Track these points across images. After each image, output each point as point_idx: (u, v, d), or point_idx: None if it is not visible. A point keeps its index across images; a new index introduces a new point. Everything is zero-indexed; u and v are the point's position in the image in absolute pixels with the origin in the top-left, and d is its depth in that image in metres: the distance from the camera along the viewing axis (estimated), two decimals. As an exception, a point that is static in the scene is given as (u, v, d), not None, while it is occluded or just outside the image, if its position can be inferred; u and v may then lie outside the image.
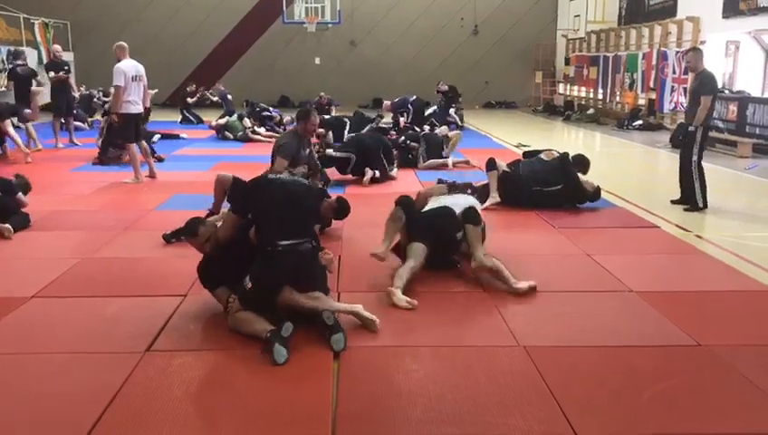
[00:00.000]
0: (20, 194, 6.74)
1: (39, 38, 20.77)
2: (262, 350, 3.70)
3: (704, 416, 3.19)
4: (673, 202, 7.84)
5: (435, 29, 24.67)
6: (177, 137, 14.27)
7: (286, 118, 15.99)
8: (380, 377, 3.56)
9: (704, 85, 7.49)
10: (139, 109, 9.07)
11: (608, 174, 9.61)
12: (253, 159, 11.24)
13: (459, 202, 5.56)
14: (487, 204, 7.50)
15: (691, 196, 7.60)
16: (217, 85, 18.58)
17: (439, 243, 5.21)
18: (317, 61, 24.71)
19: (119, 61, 9.01)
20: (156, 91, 14.41)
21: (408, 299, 4.59)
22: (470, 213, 5.30)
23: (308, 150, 6.88)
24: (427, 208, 5.53)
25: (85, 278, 5.12)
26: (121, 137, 9.31)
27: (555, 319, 4.37)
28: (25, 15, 20.82)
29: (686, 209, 7.59)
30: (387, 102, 16.10)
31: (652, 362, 3.76)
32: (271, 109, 15.72)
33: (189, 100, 18.07)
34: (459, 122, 16.60)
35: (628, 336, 4.11)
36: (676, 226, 6.93)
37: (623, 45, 19.92)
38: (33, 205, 6.92)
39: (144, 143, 9.38)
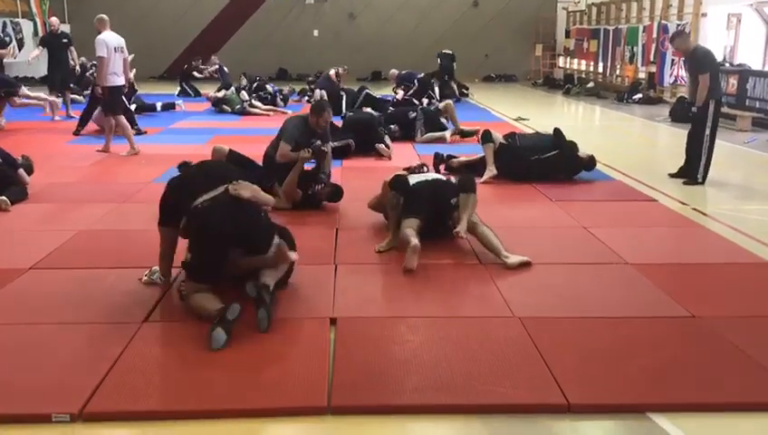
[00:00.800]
0: (21, 171, 6.75)
1: (35, 9, 20.60)
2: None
3: (694, 386, 3.22)
4: (671, 175, 7.83)
5: (434, 1, 24.46)
6: (173, 107, 14.19)
7: (286, 89, 15.93)
8: (376, 347, 3.59)
9: (700, 63, 7.48)
10: (121, 81, 9.12)
11: (607, 147, 9.60)
12: (250, 131, 11.23)
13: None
14: (485, 177, 7.50)
15: (694, 169, 7.59)
16: (213, 58, 18.40)
17: (435, 212, 5.23)
18: (315, 33, 24.53)
19: (99, 33, 8.99)
20: (132, 55, 14.23)
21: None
22: (467, 180, 5.34)
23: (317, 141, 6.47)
24: (415, 182, 5.50)
25: (83, 250, 5.13)
26: (109, 109, 9.26)
27: (550, 290, 4.40)
28: (21, -14, 20.64)
29: (684, 183, 7.60)
30: (394, 71, 16.07)
31: (645, 332, 3.78)
32: (269, 85, 15.53)
33: (196, 74, 17.89)
34: (456, 95, 16.59)
35: (622, 308, 4.13)
36: (675, 199, 6.94)
37: (624, 18, 19.77)
38: (31, 177, 6.92)
39: (121, 117, 9.28)
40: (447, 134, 10.50)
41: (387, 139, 9.49)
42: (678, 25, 15.76)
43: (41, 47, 13.21)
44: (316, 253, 4.93)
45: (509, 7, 24.60)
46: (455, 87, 16.71)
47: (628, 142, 11.43)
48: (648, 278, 4.60)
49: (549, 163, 7.58)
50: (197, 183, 4.05)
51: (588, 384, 3.22)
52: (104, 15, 9.26)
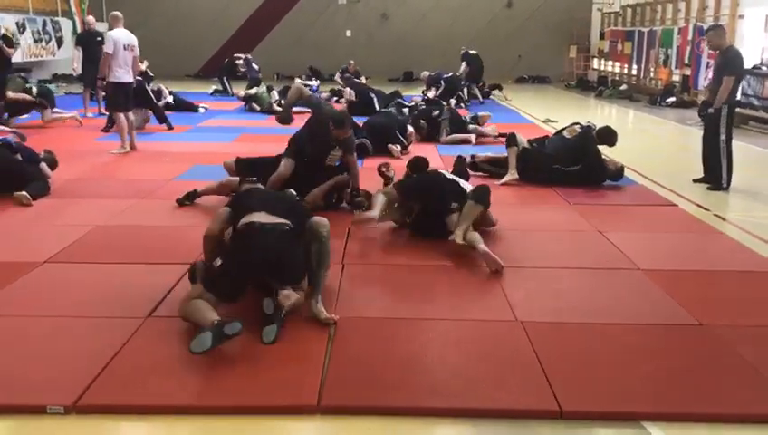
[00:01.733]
0: (43, 164, 6.90)
1: (74, 8, 21.01)
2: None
3: (694, 396, 3.15)
4: (695, 181, 7.68)
5: (468, 1, 24.35)
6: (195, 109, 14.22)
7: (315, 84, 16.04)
8: (374, 348, 3.59)
9: (727, 64, 7.32)
10: (129, 78, 9.17)
11: (634, 151, 9.46)
12: (276, 131, 11.29)
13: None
14: (505, 180, 7.47)
15: (717, 175, 7.44)
16: (244, 55, 18.53)
17: (430, 204, 5.28)
18: (348, 33, 24.60)
19: (111, 29, 9.14)
20: (146, 63, 14.40)
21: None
22: (482, 192, 5.34)
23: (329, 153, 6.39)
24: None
25: (97, 245, 5.22)
26: (111, 106, 9.37)
27: (557, 295, 4.35)
28: (61, -15, 21.07)
29: (708, 188, 7.45)
30: (425, 73, 16.15)
31: (649, 340, 3.72)
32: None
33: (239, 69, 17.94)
34: (480, 97, 16.49)
35: (628, 314, 4.07)
36: (696, 205, 6.81)
37: (659, 20, 19.46)
38: (55, 173, 7.08)
39: (131, 114, 9.34)
40: (473, 137, 10.44)
41: (404, 141, 9.61)
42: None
43: (78, 47, 13.46)
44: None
45: (543, 8, 24.38)
46: (477, 91, 16.55)
47: (656, 146, 11.24)
48: (658, 285, 4.52)
49: (571, 175, 7.45)
50: (259, 201, 4.09)
51: (583, 391, 3.17)
52: (118, 13, 9.43)
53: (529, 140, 8.05)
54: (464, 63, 16.59)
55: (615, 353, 3.56)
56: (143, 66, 13.56)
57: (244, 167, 6.35)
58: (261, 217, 3.91)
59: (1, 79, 11.02)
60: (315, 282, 3.97)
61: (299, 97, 7.99)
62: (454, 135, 10.46)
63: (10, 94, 11.26)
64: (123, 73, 9.02)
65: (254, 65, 17.40)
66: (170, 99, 13.58)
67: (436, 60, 22.03)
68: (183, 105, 13.79)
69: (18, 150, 6.81)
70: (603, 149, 7.76)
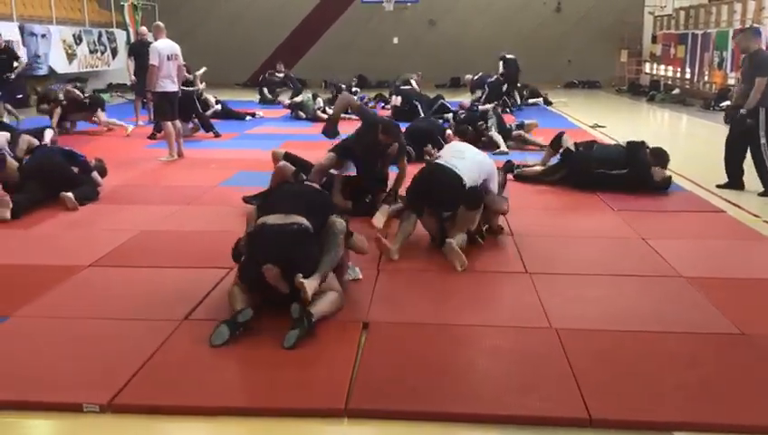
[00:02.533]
0: (95, 173, 7.13)
1: (128, 20, 21.59)
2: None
3: (730, 406, 3.06)
4: (719, 187, 7.48)
5: (516, 6, 24.17)
6: (253, 116, 14.55)
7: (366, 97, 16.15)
8: (404, 353, 3.59)
9: (759, 66, 7.13)
10: (174, 87, 9.35)
11: (683, 156, 9.22)
12: (321, 138, 11.37)
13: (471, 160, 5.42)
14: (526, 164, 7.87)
15: (764, 181, 7.24)
16: (278, 66, 18.58)
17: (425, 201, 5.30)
18: (395, 40, 24.66)
19: (155, 40, 9.39)
20: (204, 69, 14.66)
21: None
22: (474, 197, 5.20)
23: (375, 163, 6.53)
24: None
25: (140, 250, 5.35)
26: (159, 115, 9.60)
27: (594, 302, 4.28)
28: (116, -2, 21.70)
29: (760, 194, 7.23)
30: (468, 76, 16.07)
31: (687, 348, 3.63)
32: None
33: (276, 75, 18.19)
34: (518, 103, 16.24)
35: (666, 322, 3.98)
36: (746, 211, 6.61)
37: (713, 22, 18.97)
38: (104, 179, 7.29)
39: (178, 122, 9.53)
40: (504, 147, 10.23)
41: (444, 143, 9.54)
42: (770, 29, 15.00)
43: (131, 57, 13.82)
44: (360, 257, 4.95)
45: (593, 12, 24.02)
46: (517, 96, 16.34)
47: (707, 151, 10.89)
48: (701, 292, 4.41)
49: (615, 179, 7.31)
50: (277, 201, 4.21)
51: (614, 399, 3.12)
52: (160, 23, 9.67)
53: (576, 144, 7.95)
54: (501, 63, 16.33)
55: (650, 362, 3.49)
56: (201, 72, 13.89)
57: (291, 163, 6.43)
58: (274, 219, 4.00)
59: None
60: (318, 267, 3.95)
61: (346, 107, 8.03)
62: (496, 135, 10.35)
63: (70, 89, 12.08)
64: (168, 83, 9.24)
65: (291, 75, 17.62)
66: (218, 107, 13.86)
67: (482, 66, 21.91)
68: (231, 114, 14.04)
69: (72, 158, 7.04)
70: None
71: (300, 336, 3.60)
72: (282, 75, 18.12)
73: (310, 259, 3.93)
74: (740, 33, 7.78)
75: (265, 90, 17.89)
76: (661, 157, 7.60)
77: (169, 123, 9.33)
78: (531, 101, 17.36)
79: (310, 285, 3.78)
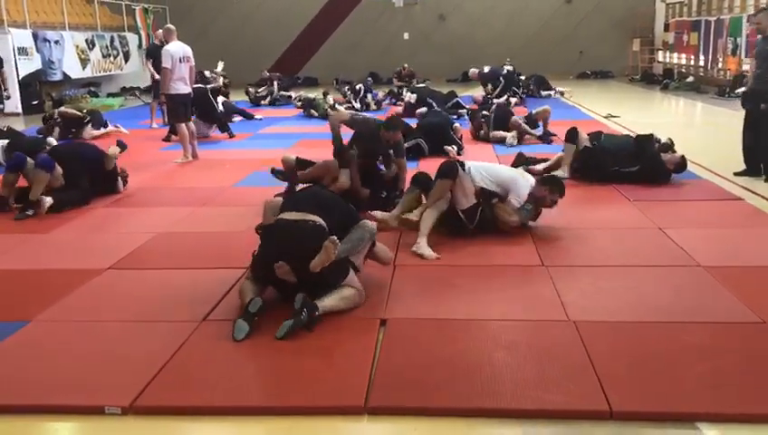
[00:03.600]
0: (120, 181, 7.32)
1: (140, 23, 21.73)
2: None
3: (753, 396, 3.04)
4: (737, 174, 7.39)
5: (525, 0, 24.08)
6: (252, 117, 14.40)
7: (380, 94, 16.11)
8: (423, 349, 3.59)
9: None
10: (187, 89, 9.37)
11: (699, 145, 9.18)
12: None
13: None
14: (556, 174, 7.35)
15: None
16: (264, 73, 18.35)
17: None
18: (405, 36, 24.62)
19: (166, 43, 9.42)
20: (222, 63, 14.68)
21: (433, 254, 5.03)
22: (446, 167, 5.42)
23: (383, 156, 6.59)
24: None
25: (158, 251, 5.38)
26: (173, 117, 9.63)
27: (612, 294, 4.26)
28: (127, 2, 21.81)
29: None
30: (474, 70, 15.92)
31: (707, 339, 3.60)
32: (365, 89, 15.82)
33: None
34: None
35: (686, 312, 3.95)
36: (765, 198, 6.54)
37: (726, 8, 18.78)
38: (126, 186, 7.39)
39: (192, 124, 9.56)
40: (509, 137, 10.08)
41: (460, 142, 9.60)
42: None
43: (149, 59, 13.88)
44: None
45: (604, 2, 23.85)
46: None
47: (723, 139, 10.81)
48: (720, 282, 4.37)
49: (630, 176, 7.22)
50: (299, 199, 4.33)
51: (635, 391, 3.10)
52: (171, 26, 9.73)
53: (589, 134, 7.87)
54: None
55: (670, 352, 3.46)
56: (219, 68, 13.87)
57: (302, 168, 6.45)
58: (289, 216, 4.07)
59: None
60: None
61: (339, 125, 7.63)
62: (494, 133, 10.31)
63: (63, 109, 12.09)
64: (181, 85, 9.25)
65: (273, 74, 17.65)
66: (221, 108, 13.80)
67: (494, 59, 21.84)
68: (236, 112, 13.92)
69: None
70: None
71: (293, 327, 3.63)
72: (266, 76, 18.02)
73: (331, 266, 3.92)
74: (762, 12, 7.52)
75: (252, 90, 17.81)
76: (670, 149, 7.56)
77: (183, 125, 9.36)
78: (544, 93, 17.21)
79: (327, 252, 3.80)
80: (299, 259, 3.86)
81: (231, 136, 11.64)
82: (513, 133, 10.10)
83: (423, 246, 5.09)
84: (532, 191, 5.53)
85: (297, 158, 6.61)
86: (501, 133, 10.22)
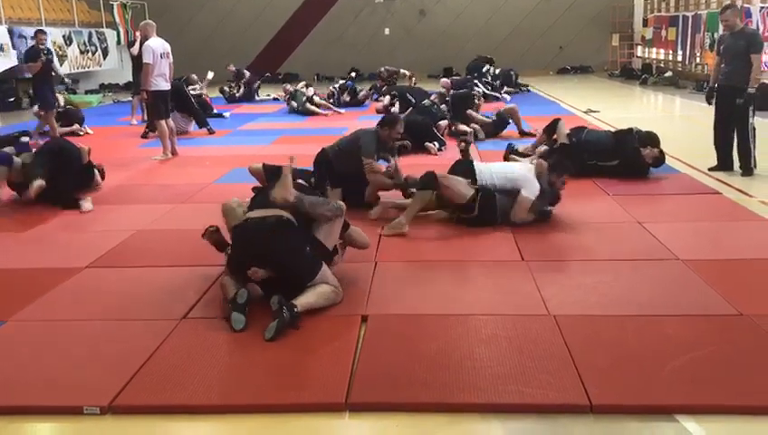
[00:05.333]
0: (97, 175, 7.33)
1: (118, 19, 21.49)
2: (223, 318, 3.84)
3: (730, 388, 3.07)
4: (711, 169, 7.47)
5: (506, -6, 24.13)
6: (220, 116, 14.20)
7: (363, 92, 16.04)
8: (404, 344, 3.58)
9: (753, 43, 7.13)
10: (167, 86, 9.32)
11: (676, 139, 9.22)
12: (313, 132, 11.39)
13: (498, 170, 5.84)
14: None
15: (747, 159, 7.27)
16: (230, 68, 17.84)
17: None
18: (386, 31, 24.57)
19: (146, 39, 9.32)
20: (212, 75, 14.70)
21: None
22: (425, 178, 5.61)
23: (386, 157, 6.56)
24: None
25: (137, 249, 5.34)
26: (153, 114, 9.54)
27: (591, 288, 4.28)
28: (105, -2, 21.58)
29: (744, 174, 7.23)
30: (445, 80, 15.93)
31: (686, 331, 3.63)
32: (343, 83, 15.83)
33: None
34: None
35: (665, 306, 3.98)
36: (742, 191, 6.62)
37: (704, 3, 18.95)
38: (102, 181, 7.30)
39: (170, 121, 9.50)
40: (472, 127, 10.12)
41: (442, 138, 9.64)
42: (762, 9, 14.99)
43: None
44: (357, 250, 4.95)
45: (583, -3, 23.98)
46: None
47: (700, 133, 10.87)
48: (699, 275, 4.42)
49: (607, 170, 7.29)
50: (259, 198, 4.29)
51: (615, 384, 3.12)
52: (151, 21, 9.63)
53: (572, 129, 7.92)
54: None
55: (650, 345, 3.49)
56: (209, 76, 13.84)
57: (271, 174, 6.32)
58: (255, 214, 4.09)
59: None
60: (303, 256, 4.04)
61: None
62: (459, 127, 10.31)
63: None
64: (162, 82, 9.18)
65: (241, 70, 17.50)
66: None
67: (475, 54, 21.90)
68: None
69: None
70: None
71: (279, 327, 3.62)
72: (234, 70, 17.82)
73: (291, 248, 3.98)
74: (728, 9, 7.52)
75: (226, 88, 17.63)
76: (651, 140, 7.55)
77: (163, 122, 9.28)
78: (503, 92, 16.47)
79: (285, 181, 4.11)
80: (269, 258, 3.92)
81: (211, 132, 11.56)
82: (474, 126, 10.16)
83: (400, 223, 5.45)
84: (543, 181, 5.69)
85: (264, 164, 6.50)
86: (463, 127, 10.15)
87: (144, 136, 11.15)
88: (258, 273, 3.90)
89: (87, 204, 6.58)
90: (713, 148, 7.69)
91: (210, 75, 14.14)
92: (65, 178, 6.78)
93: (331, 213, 4.21)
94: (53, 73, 11.38)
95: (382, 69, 17.68)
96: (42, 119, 11.19)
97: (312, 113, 13.89)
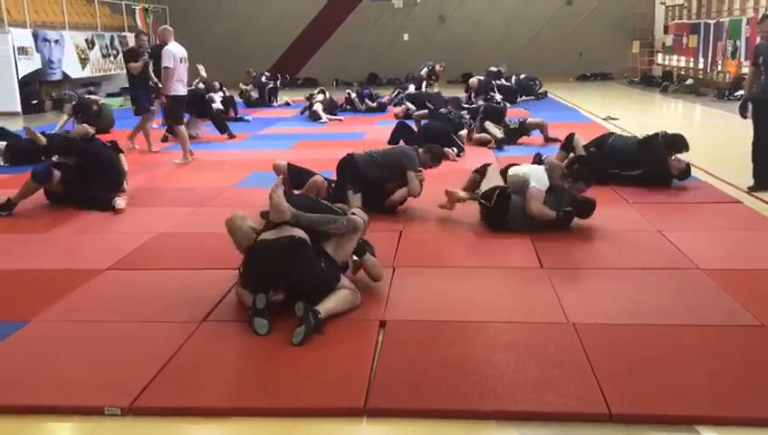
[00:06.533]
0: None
1: (140, 23, 21.71)
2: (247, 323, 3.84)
3: (751, 399, 3.04)
4: (751, 189, 6.91)
5: (526, 0, 24.08)
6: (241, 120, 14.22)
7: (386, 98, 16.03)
8: (422, 350, 3.59)
9: None
10: (185, 91, 9.42)
11: (697, 147, 9.08)
12: (332, 137, 11.44)
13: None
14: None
15: None
16: (251, 72, 17.90)
17: None
18: (405, 37, 24.62)
19: (165, 44, 9.35)
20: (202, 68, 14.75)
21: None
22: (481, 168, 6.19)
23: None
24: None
25: (157, 252, 5.39)
26: (171, 118, 9.57)
27: (611, 297, 4.26)
28: (127, 2, 21.82)
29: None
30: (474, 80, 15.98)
31: (706, 341, 3.61)
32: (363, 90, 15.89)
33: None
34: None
35: (685, 315, 3.96)
36: (763, 201, 6.55)
37: (726, 10, 18.82)
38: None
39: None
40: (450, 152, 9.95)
41: (461, 144, 9.67)
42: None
43: (151, 60, 13.83)
44: (378, 253, 4.93)
45: (604, 4, 23.87)
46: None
47: (722, 141, 10.88)
48: (719, 284, 4.38)
49: (631, 179, 7.21)
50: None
51: (635, 394, 3.10)
52: (169, 26, 9.67)
53: (586, 146, 7.81)
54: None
55: (670, 355, 3.47)
56: (202, 71, 13.90)
57: (295, 176, 6.37)
58: (268, 235, 4.03)
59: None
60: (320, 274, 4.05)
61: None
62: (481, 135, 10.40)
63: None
64: (180, 86, 9.28)
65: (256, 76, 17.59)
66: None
67: (494, 61, 21.88)
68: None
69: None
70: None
71: (307, 332, 3.64)
72: (254, 75, 17.90)
73: (306, 268, 3.97)
74: (766, 18, 7.15)
75: (242, 86, 17.69)
76: (678, 144, 7.36)
77: (182, 127, 9.36)
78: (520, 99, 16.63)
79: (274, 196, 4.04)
80: (285, 278, 3.95)
81: (231, 137, 11.62)
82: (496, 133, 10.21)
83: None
84: (555, 177, 5.78)
85: (289, 164, 6.55)
86: (485, 136, 10.22)
87: (164, 139, 11.22)
88: (277, 297, 3.94)
89: (121, 201, 6.67)
90: (736, 155, 7.57)
91: (202, 70, 14.07)
92: (99, 183, 6.83)
93: (344, 228, 4.17)
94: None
95: (439, 65, 17.53)
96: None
97: (319, 118, 13.89)
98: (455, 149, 9.31)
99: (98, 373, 3.38)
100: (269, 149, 10.35)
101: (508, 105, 12.88)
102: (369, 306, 4.12)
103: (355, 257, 4.42)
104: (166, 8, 23.55)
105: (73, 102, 11.97)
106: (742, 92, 16.12)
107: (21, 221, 6.32)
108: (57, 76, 17.43)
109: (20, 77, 15.67)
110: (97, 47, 19.23)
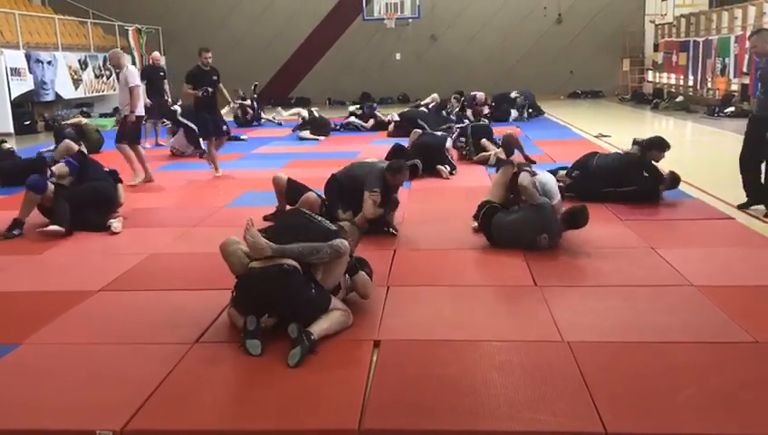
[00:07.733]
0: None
1: (133, 44, 21.76)
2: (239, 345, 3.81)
3: (746, 416, 3.04)
4: (742, 207, 6.88)
5: (517, 19, 24.23)
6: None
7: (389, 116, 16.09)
8: (417, 370, 3.57)
9: None
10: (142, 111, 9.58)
11: (689, 164, 9.20)
12: (324, 156, 11.45)
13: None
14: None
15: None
16: (239, 92, 17.78)
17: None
18: (397, 56, 24.73)
19: (121, 67, 9.38)
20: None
21: None
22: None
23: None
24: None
25: (150, 273, 5.36)
26: (128, 138, 9.32)
27: (605, 314, 4.26)
28: (120, 23, 21.88)
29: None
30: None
31: (700, 358, 3.61)
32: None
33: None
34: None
35: (679, 332, 3.96)
36: (756, 217, 6.58)
37: (714, 29, 19.01)
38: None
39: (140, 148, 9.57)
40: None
41: (453, 162, 9.68)
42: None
43: (143, 80, 13.85)
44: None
45: (594, 22, 24.06)
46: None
47: (713, 158, 10.93)
48: (713, 301, 4.38)
49: (626, 195, 7.23)
50: (274, 234, 4.18)
51: (630, 412, 3.09)
52: (119, 50, 9.96)
53: (569, 170, 7.79)
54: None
55: (664, 373, 3.46)
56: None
57: (292, 191, 6.41)
58: (258, 264, 4.00)
59: None
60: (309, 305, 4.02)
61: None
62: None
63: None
64: (141, 107, 9.48)
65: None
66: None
67: (487, 79, 22.02)
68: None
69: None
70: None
71: (303, 354, 3.62)
72: (241, 94, 17.92)
73: (296, 295, 3.95)
74: (755, 35, 7.03)
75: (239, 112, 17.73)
76: (659, 144, 7.48)
77: (138, 146, 9.51)
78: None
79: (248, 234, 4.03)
80: (276, 307, 3.96)
81: (201, 156, 11.34)
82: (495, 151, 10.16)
83: None
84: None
85: (288, 179, 6.58)
86: (484, 155, 10.26)
87: (201, 156, 11.14)
88: (269, 322, 3.95)
89: (117, 224, 6.65)
90: (727, 172, 7.60)
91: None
92: (97, 212, 6.80)
93: (328, 257, 4.09)
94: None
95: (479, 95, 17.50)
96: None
97: (305, 138, 13.99)
98: (447, 166, 9.34)
99: (90, 396, 3.35)
100: (261, 169, 10.33)
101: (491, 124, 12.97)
102: (363, 326, 4.11)
103: (347, 276, 4.40)
104: (159, 29, 23.62)
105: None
106: (732, 109, 16.34)
107: (17, 242, 6.30)
108: (50, 97, 17.43)
109: (13, 98, 15.67)
110: (90, 68, 19.25)
